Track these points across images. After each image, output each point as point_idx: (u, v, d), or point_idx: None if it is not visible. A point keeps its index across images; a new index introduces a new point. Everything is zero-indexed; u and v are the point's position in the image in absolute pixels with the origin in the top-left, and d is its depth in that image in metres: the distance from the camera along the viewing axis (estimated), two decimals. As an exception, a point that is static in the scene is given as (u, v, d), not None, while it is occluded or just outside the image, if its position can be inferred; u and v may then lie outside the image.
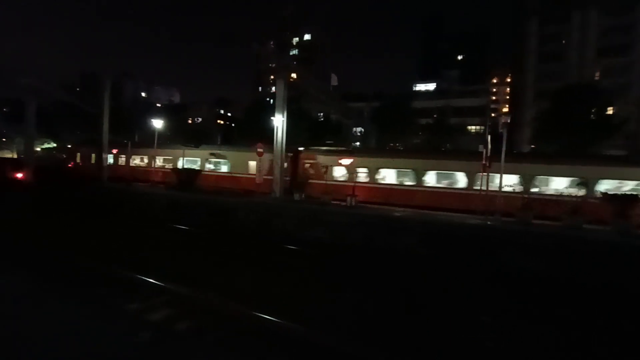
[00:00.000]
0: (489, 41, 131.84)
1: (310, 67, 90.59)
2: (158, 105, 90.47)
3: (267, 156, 18.57)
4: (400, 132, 37.14)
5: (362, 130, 58.21)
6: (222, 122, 75.33)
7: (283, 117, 18.13)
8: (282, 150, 18.10)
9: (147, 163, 26.87)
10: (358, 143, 55.27)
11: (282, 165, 18.09)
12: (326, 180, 18.18)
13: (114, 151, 27.16)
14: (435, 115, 44.24)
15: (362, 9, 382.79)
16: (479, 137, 44.69)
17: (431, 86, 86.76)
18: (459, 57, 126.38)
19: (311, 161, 19.82)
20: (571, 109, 25.91)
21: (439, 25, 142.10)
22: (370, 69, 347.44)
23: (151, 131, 23.77)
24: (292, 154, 19.87)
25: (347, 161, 16.71)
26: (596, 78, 44.98)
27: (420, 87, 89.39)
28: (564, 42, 49.20)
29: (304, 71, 79.91)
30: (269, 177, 18.37)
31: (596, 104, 27.55)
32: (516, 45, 55.66)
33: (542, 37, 50.22)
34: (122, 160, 27.92)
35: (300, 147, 20.96)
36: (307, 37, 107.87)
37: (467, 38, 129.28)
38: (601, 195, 12.13)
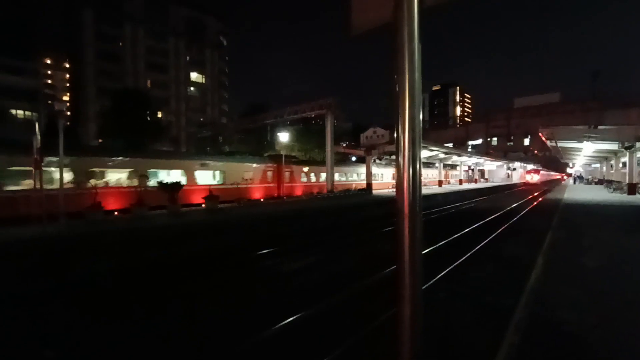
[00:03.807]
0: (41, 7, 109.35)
1: None
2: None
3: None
4: None
5: None
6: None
7: None
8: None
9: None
10: None
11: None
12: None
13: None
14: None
15: None
16: (30, 125, 37.27)
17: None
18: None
19: None
20: (130, 110, 29.19)
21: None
22: None
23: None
24: None
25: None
26: (148, 86, 52.92)
27: None
28: (121, 44, 52.46)
29: None
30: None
31: (149, 109, 33.00)
32: (71, 28, 51.62)
33: (99, 33, 50.23)
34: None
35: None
36: None
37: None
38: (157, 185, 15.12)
